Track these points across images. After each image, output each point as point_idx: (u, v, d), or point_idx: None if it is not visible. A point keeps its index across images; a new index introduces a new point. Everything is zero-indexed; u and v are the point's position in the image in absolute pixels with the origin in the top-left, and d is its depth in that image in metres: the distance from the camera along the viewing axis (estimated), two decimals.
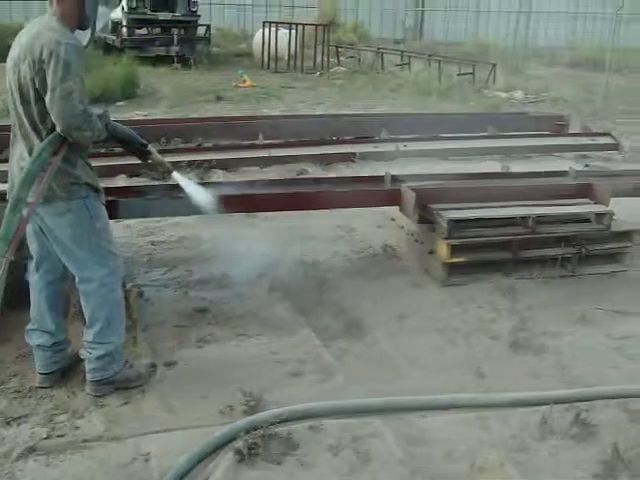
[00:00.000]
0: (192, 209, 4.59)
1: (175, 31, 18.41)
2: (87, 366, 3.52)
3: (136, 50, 17.62)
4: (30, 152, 3.27)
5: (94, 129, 3.27)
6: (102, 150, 6.96)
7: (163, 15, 18.50)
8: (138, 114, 11.59)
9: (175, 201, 4.61)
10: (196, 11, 19.70)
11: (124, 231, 5.78)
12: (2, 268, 3.13)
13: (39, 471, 2.94)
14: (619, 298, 4.82)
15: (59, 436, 3.18)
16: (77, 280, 3.48)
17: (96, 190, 3.47)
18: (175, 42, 18.09)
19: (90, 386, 3.54)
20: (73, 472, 2.94)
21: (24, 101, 3.25)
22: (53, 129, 3.22)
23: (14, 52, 3.30)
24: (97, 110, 3.42)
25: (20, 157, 3.34)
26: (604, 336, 4.32)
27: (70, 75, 3.14)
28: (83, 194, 3.37)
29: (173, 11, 18.77)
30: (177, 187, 4.87)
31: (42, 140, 3.25)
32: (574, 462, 3.06)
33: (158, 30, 19.05)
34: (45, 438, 3.16)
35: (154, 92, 14.06)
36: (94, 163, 6.59)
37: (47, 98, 3.16)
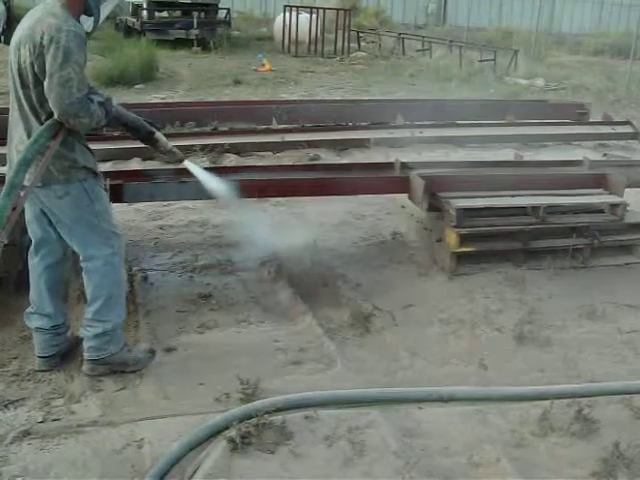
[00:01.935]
0: (198, 193, 4.59)
1: (195, 14, 18.36)
2: (85, 344, 3.54)
3: (156, 33, 17.62)
4: (29, 135, 3.27)
5: (92, 116, 3.25)
6: (116, 133, 6.98)
7: None
8: (156, 97, 11.58)
9: (180, 185, 4.59)
10: None
11: (134, 215, 5.78)
12: None
13: (33, 455, 2.93)
14: (631, 291, 4.72)
15: (54, 420, 3.17)
16: (81, 259, 3.51)
17: (94, 173, 3.46)
18: (195, 25, 18.05)
19: (86, 365, 3.55)
20: (66, 457, 2.93)
21: (23, 85, 3.26)
22: (52, 113, 3.21)
23: (16, 35, 3.30)
24: (98, 97, 3.42)
25: (19, 140, 3.33)
26: (613, 330, 4.23)
27: (69, 62, 3.14)
28: (81, 177, 3.37)
29: None
30: (186, 172, 4.87)
31: (41, 124, 3.24)
32: (573, 459, 3.00)
33: (178, 13, 19.03)
34: (40, 422, 3.15)
35: (173, 75, 14.05)
36: (108, 146, 6.74)
37: (45, 84, 3.16)
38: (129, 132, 3.79)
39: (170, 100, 11.11)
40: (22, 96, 3.27)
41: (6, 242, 3.14)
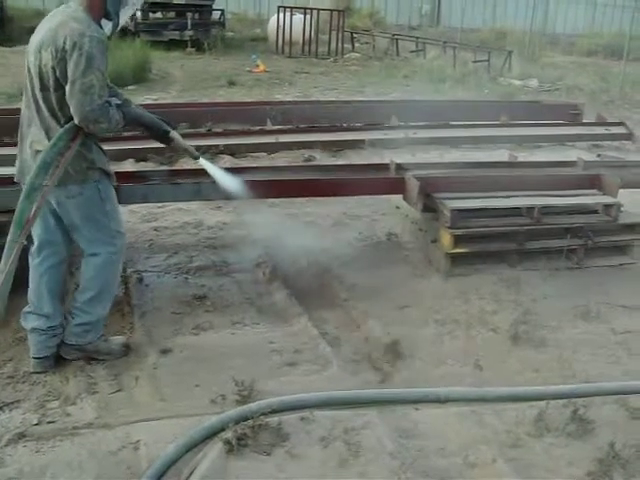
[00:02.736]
0: (192, 195, 4.60)
1: (189, 15, 18.31)
2: (66, 328, 3.61)
3: (150, 34, 17.55)
4: (47, 135, 3.33)
5: (111, 121, 3.33)
6: (108, 135, 6.97)
7: None
8: (149, 98, 11.55)
9: (175, 187, 4.59)
10: None
11: (128, 216, 5.75)
12: (15, 253, 3.23)
13: (28, 457, 2.93)
14: (625, 292, 4.73)
15: (50, 422, 3.16)
16: (85, 254, 3.60)
17: (108, 174, 3.55)
18: (189, 26, 18.00)
19: (63, 348, 3.63)
20: (62, 459, 2.92)
21: (44, 87, 3.30)
22: (71, 117, 3.27)
23: (37, 37, 3.34)
24: (116, 99, 3.49)
25: (35, 139, 3.38)
26: (607, 330, 4.24)
27: (92, 69, 3.20)
28: (96, 178, 3.46)
29: None
30: (178, 173, 4.88)
31: (60, 124, 3.30)
32: (569, 459, 3.00)
33: (172, 14, 18.97)
34: (36, 424, 3.14)
35: (166, 76, 14.03)
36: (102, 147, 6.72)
37: (67, 89, 3.21)
38: (146, 132, 3.88)
39: (163, 101, 11.08)
40: (40, 98, 3.32)
41: (25, 244, 3.26)
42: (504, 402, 3.40)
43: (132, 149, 7.00)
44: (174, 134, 3.83)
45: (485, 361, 3.81)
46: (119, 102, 3.49)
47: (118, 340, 3.79)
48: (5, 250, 3.27)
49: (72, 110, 3.22)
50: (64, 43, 3.19)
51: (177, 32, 18.06)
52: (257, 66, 15.59)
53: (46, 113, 3.33)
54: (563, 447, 3.08)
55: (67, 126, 3.28)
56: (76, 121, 3.24)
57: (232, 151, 7.61)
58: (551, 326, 4.22)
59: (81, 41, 3.18)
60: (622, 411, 3.35)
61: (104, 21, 3.47)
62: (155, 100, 11.25)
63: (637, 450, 3.01)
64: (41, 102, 3.32)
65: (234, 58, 17.15)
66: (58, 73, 3.22)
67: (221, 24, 19.81)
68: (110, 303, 3.72)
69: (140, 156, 7.12)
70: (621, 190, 5.23)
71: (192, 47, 17.82)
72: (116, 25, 3.55)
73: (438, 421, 3.25)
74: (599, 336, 4.17)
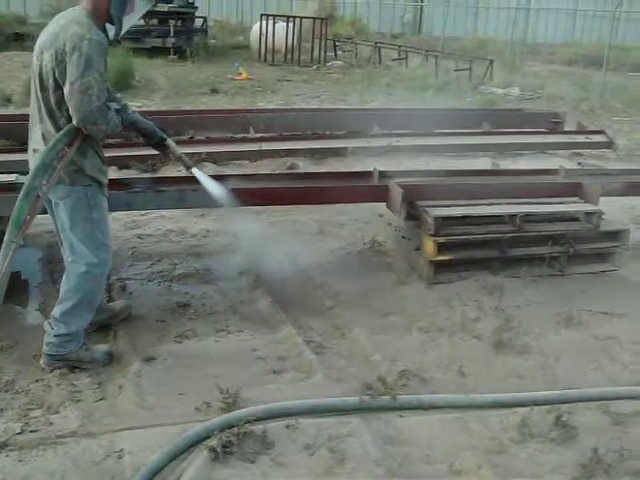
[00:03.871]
0: (176, 203, 4.60)
1: (172, 22, 18.25)
2: (45, 338, 3.62)
3: (132, 41, 17.43)
4: (43, 136, 3.40)
5: (109, 123, 3.37)
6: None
7: (160, 6, 18.32)
8: (132, 105, 11.45)
9: (159, 194, 4.58)
10: (193, 2, 19.63)
11: (111, 224, 5.70)
12: (11, 252, 3.25)
13: (11, 467, 2.90)
14: (607, 298, 4.77)
15: (33, 431, 3.13)
16: (68, 260, 3.61)
17: (99, 182, 3.56)
18: (171, 33, 17.94)
19: (44, 359, 3.63)
20: (45, 468, 2.90)
21: (43, 87, 3.37)
22: (70, 117, 3.32)
23: (41, 39, 3.42)
24: (115, 104, 3.53)
25: (34, 139, 3.46)
26: (590, 337, 4.27)
27: (90, 70, 3.25)
28: (86, 183, 3.49)
29: (170, 2, 18.60)
30: (162, 181, 4.88)
31: (57, 126, 3.36)
32: (553, 465, 3.02)
33: (155, 21, 18.90)
34: (18, 433, 3.11)
35: (149, 84, 13.98)
36: None
37: (66, 90, 3.27)
38: (142, 138, 3.90)
39: (146, 109, 11.06)
40: (41, 99, 3.39)
41: (22, 244, 3.30)
42: (488, 408, 3.41)
43: (114, 156, 6.96)
44: (170, 142, 3.88)
45: (468, 368, 3.82)
46: (118, 107, 3.54)
47: (101, 348, 3.77)
48: (2, 250, 3.28)
49: (71, 111, 3.27)
50: (64, 46, 3.25)
51: (160, 39, 17.98)
52: (239, 74, 15.58)
53: (45, 114, 3.39)
54: (547, 453, 3.11)
55: (66, 128, 3.33)
56: (75, 122, 3.28)
57: (215, 159, 7.60)
58: (534, 333, 4.25)
59: (80, 44, 3.24)
60: (605, 417, 3.37)
61: (109, 26, 3.51)
62: (139, 107, 11.21)
63: (620, 455, 3.03)
64: (42, 103, 3.39)
65: (217, 66, 17.13)
66: (57, 74, 3.28)
67: (203, 32, 19.81)
68: (91, 315, 3.72)
69: (123, 163, 7.10)
70: (602, 198, 5.28)
71: (174, 54, 17.78)
72: (119, 30, 3.56)
73: (423, 428, 3.26)
74: (582, 343, 4.20)
